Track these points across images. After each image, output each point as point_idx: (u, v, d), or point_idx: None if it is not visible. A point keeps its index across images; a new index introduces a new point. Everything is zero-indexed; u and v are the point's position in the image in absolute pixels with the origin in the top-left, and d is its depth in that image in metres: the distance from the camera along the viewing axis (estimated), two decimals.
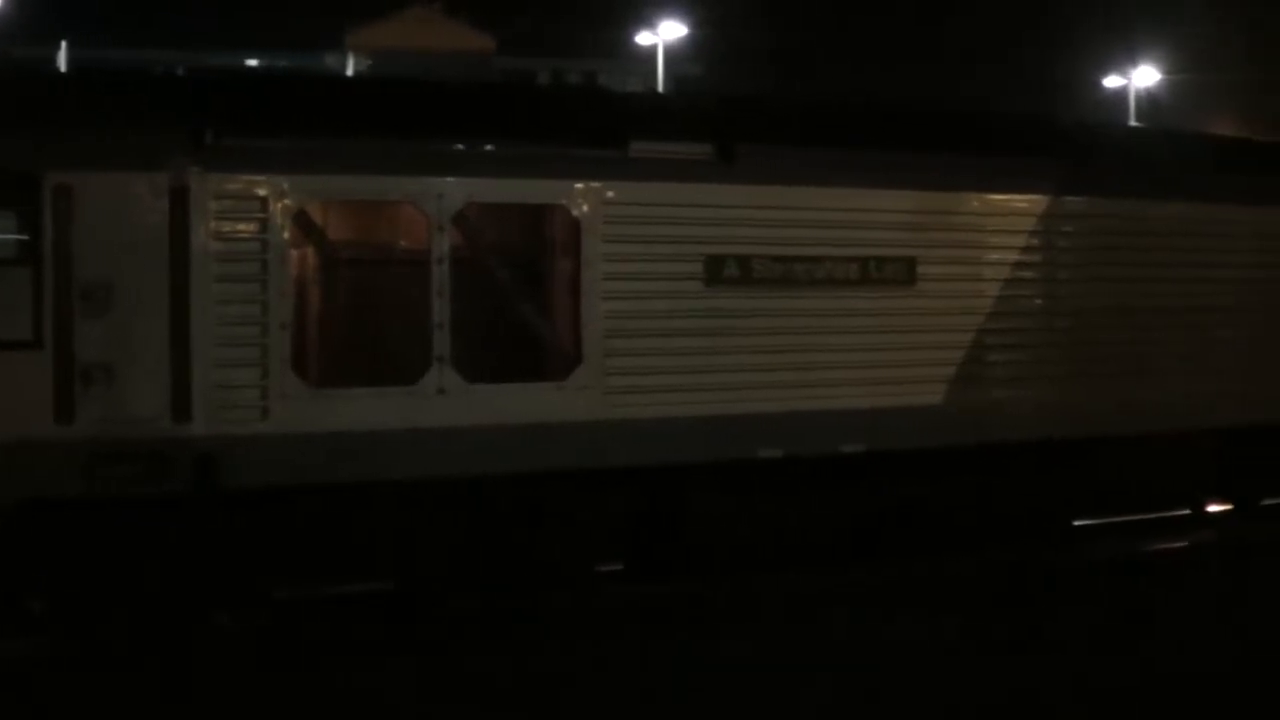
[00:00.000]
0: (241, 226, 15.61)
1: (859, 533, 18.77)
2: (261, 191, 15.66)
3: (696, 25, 66.79)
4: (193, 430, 15.35)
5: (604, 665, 13.94)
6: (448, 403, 16.33)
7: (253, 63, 76.90)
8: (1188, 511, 22.73)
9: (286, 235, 15.88)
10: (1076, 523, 21.38)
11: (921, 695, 13.19)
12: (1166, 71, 71.48)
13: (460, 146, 16.95)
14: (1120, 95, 72.08)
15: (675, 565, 17.93)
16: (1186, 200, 21.14)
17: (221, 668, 13.92)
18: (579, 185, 17.04)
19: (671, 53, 66.39)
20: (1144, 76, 71.61)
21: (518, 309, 17.50)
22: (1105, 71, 73.56)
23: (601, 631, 15.30)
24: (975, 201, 19.43)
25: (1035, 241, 19.87)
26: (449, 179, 16.58)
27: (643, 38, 67.75)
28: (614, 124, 17.78)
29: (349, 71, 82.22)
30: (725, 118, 19.06)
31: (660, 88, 63.42)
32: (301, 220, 16.51)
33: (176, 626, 15.28)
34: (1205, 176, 21.61)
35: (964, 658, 14.29)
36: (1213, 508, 23.01)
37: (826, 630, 15.28)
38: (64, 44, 64.84)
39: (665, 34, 65.23)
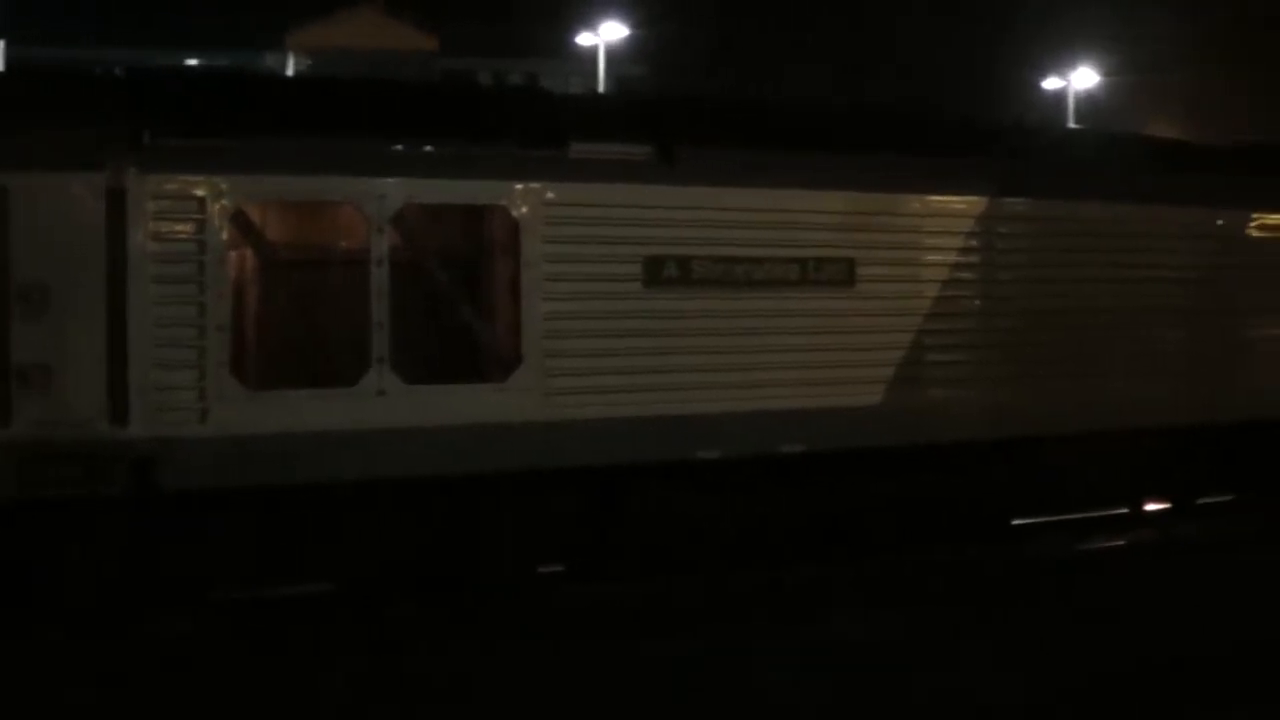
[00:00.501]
0: (179, 228, 15.50)
1: (799, 532, 18.83)
2: (199, 192, 15.57)
3: (637, 26, 66.81)
4: (130, 433, 15.26)
5: (544, 666, 13.93)
6: (387, 404, 16.28)
7: (192, 62, 76.54)
8: (1126, 510, 22.84)
9: (224, 236, 15.78)
10: (1016, 522, 21.46)
11: (858, 694, 13.23)
12: (1105, 73, 71.90)
13: (400, 147, 16.89)
14: (1059, 97, 72.44)
15: (617, 566, 17.93)
16: (1124, 202, 21.27)
17: (160, 670, 13.84)
18: (519, 186, 17.01)
19: (613, 54, 66.39)
20: (1083, 78, 72.00)
21: (458, 310, 17.46)
22: (1044, 73, 73.94)
23: (542, 633, 15.28)
24: (914, 203, 19.50)
25: (974, 243, 19.95)
26: (388, 180, 16.51)
27: (584, 38, 67.74)
28: (554, 125, 17.76)
29: (289, 71, 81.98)
30: (665, 119, 19.07)
31: (601, 89, 63.45)
32: (240, 221, 16.43)
33: (114, 630, 15.19)
34: (1143, 178, 21.74)
35: (902, 656, 14.33)
36: (1151, 507, 23.13)
37: (764, 629, 15.29)
38: (1, 43, 64.41)
39: (606, 35, 65.24)
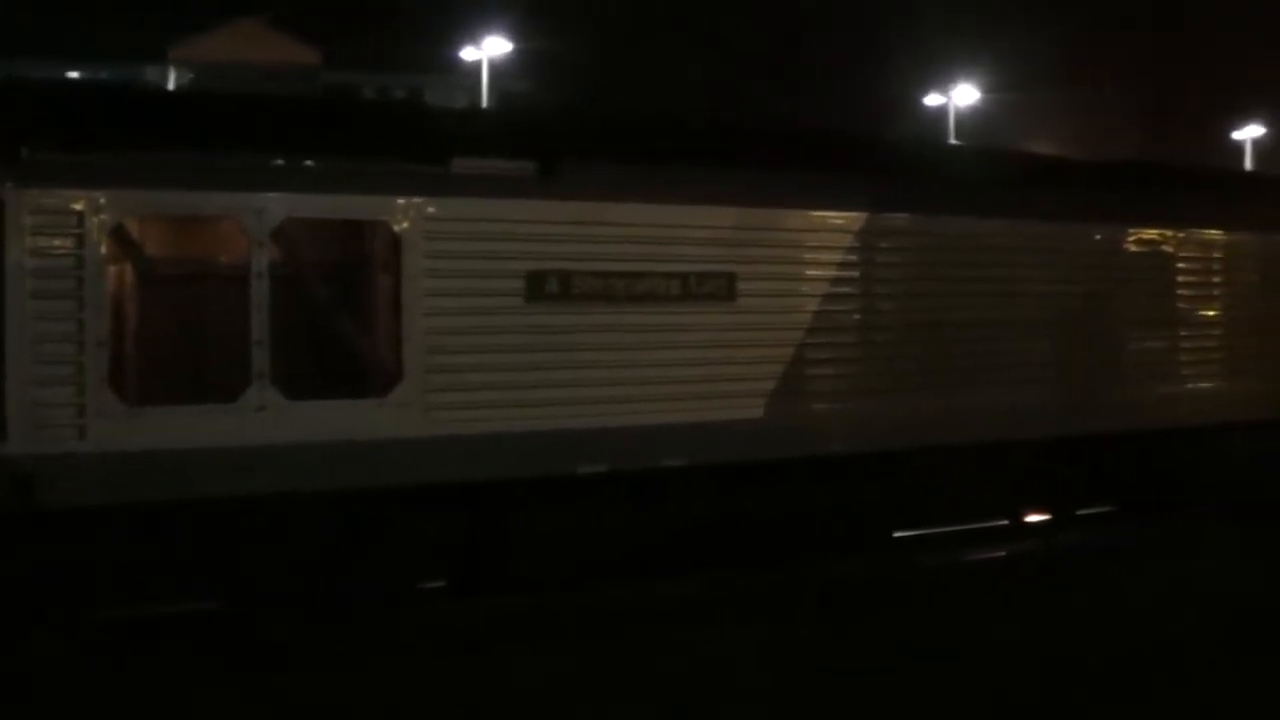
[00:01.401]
0: (57, 242, 15.35)
1: (682, 546, 18.89)
2: (78, 206, 15.43)
3: (521, 41, 66.81)
4: (9, 449, 15.10)
5: (421, 683, 13.92)
6: (268, 420, 16.19)
7: (72, 75, 75.87)
8: (1006, 522, 23.07)
9: (104, 251, 15.64)
10: (897, 534, 21.63)
11: (737, 707, 13.32)
12: (986, 90, 72.60)
13: (280, 161, 16.83)
14: (940, 114, 73.05)
15: (500, 581, 17.93)
16: (1003, 217, 21.53)
17: (39, 690, 13.72)
18: (400, 201, 16.98)
19: (496, 69, 66.36)
20: (963, 95, 72.64)
21: (339, 325, 17.41)
22: (926, 90, 74.56)
23: (422, 649, 15.25)
24: (794, 218, 19.62)
25: (854, 258, 20.11)
26: (268, 194, 16.42)
27: (468, 53, 67.67)
28: (436, 140, 17.77)
29: (170, 85, 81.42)
30: (547, 134, 19.14)
31: (485, 104, 63.39)
32: (119, 236, 16.30)
33: None
34: (1020, 194, 22.01)
35: (783, 669, 14.42)
36: (1031, 518, 23.38)
37: (646, 643, 15.33)
38: None
39: (490, 50, 65.20)
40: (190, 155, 16.15)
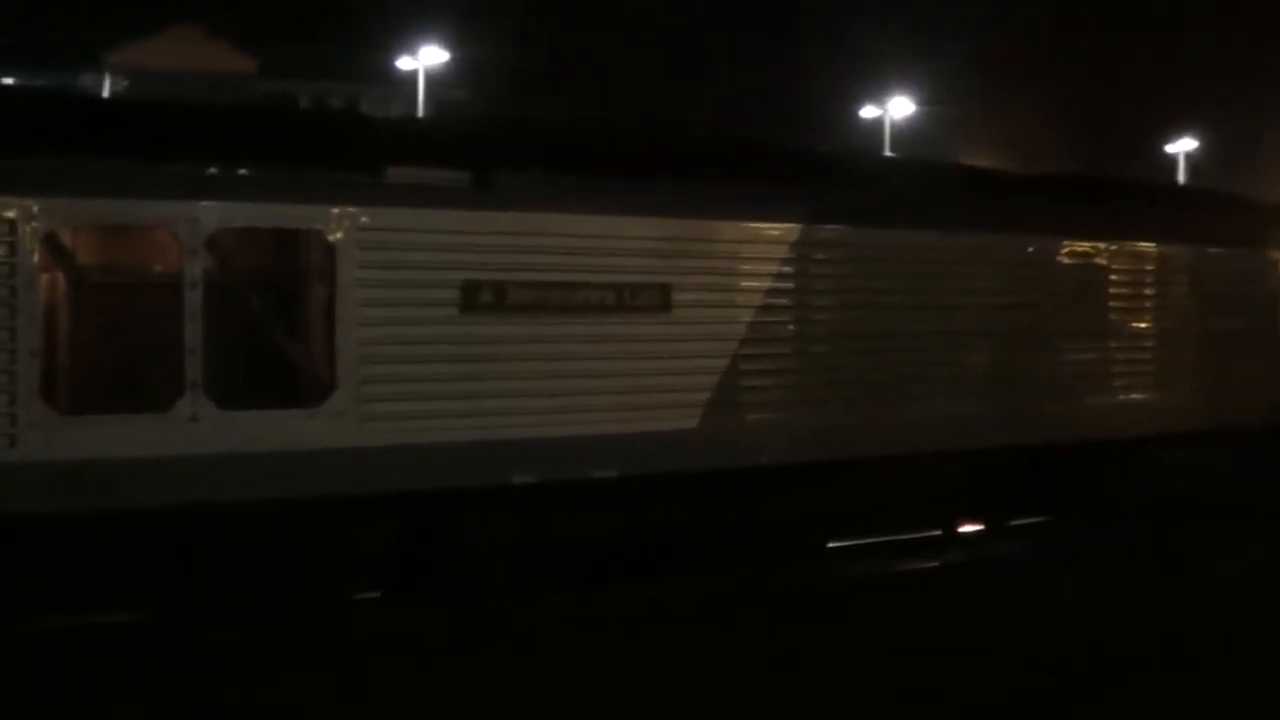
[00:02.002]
0: None
1: (616, 556, 18.90)
2: (10, 214, 15.31)
3: (458, 50, 66.79)
4: None
5: (355, 694, 13.89)
6: (201, 429, 16.11)
7: (6, 81, 75.39)
8: (939, 532, 23.16)
9: (36, 259, 15.55)
10: (831, 544, 21.69)
11: (669, 716, 13.36)
12: (921, 103, 72.95)
13: (214, 170, 16.77)
14: (876, 126, 73.36)
15: (435, 591, 17.90)
16: (936, 229, 21.62)
17: None
18: (335, 210, 16.92)
19: (433, 78, 66.32)
20: (899, 108, 72.97)
21: (272, 334, 17.36)
22: (861, 103, 74.88)
23: (355, 660, 15.20)
24: (730, 229, 19.65)
25: (789, 269, 20.16)
26: (202, 203, 16.32)
27: (404, 62, 67.64)
28: (371, 149, 17.75)
29: (105, 92, 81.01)
30: (482, 144, 19.12)
31: (421, 113, 63.31)
32: (52, 244, 16.22)
33: None
34: (955, 206, 22.13)
35: (715, 679, 14.45)
36: (964, 528, 23.48)
37: (578, 653, 15.34)
38: None
39: (426, 59, 65.17)
40: (125, 163, 16.07)
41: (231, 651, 15.56)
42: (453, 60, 67.04)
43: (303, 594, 17.05)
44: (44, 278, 16.07)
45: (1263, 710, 14.07)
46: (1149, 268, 24.64)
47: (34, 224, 15.48)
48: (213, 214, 16.40)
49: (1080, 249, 23.63)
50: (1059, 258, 23.39)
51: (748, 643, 15.90)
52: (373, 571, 17.76)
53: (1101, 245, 23.82)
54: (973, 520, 23.54)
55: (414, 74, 66.00)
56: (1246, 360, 25.91)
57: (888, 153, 65.72)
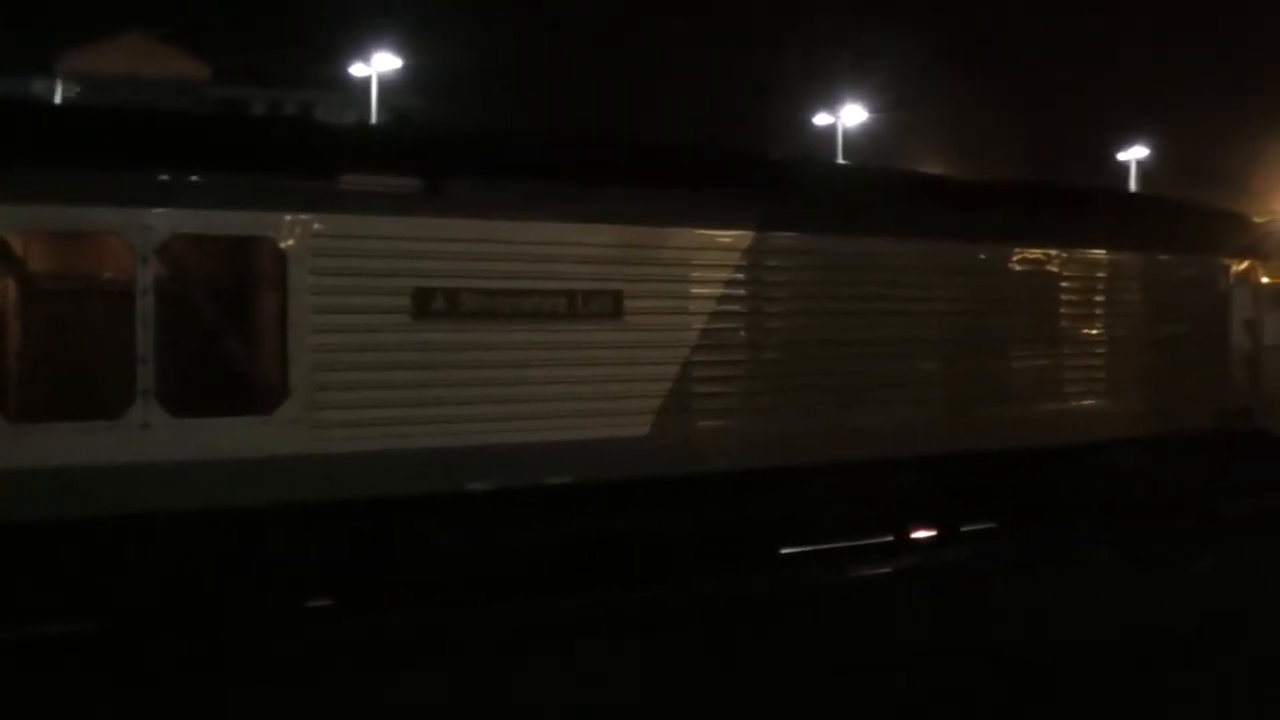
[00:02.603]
0: None
1: (569, 563, 18.91)
2: None
3: (411, 58, 66.74)
4: None
5: (306, 702, 13.87)
6: (152, 437, 16.05)
7: None
8: (891, 538, 23.23)
9: None
10: (783, 550, 21.73)
11: None
12: (873, 110, 73.16)
13: (165, 177, 16.70)
14: (829, 133, 73.52)
15: (387, 599, 17.87)
16: (888, 236, 21.67)
17: None
18: (287, 217, 16.89)
19: (386, 85, 66.23)
20: (851, 115, 73.15)
21: (225, 342, 17.27)
22: (814, 110, 75.04)
23: (308, 667, 15.18)
24: (682, 236, 19.68)
25: (741, 276, 20.18)
26: (154, 210, 16.28)
27: (357, 69, 67.52)
28: (323, 156, 17.71)
29: (57, 98, 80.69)
30: (435, 151, 19.11)
31: (374, 120, 63.24)
32: (2, 250, 16.15)
33: None
34: (906, 213, 22.18)
35: (666, 686, 14.47)
36: (916, 534, 23.56)
37: (531, 660, 15.36)
38: None
39: (379, 66, 65.09)
40: (75, 170, 16.00)
41: (182, 661, 15.51)
42: (406, 67, 66.99)
43: (255, 603, 16.99)
44: None
45: (1218, 711, 14.15)
46: (1100, 274, 24.76)
47: None
48: (165, 220, 16.34)
49: (1032, 256, 23.73)
50: (1010, 264, 23.48)
51: (697, 651, 15.91)
52: (326, 579, 17.73)
53: (1053, 252, 23.93)
54: (925, 526, 23.61)
55: (367, 80, 65.86)
56: (1197, 366, 26.09)
57: (840, 160, 65.84)
